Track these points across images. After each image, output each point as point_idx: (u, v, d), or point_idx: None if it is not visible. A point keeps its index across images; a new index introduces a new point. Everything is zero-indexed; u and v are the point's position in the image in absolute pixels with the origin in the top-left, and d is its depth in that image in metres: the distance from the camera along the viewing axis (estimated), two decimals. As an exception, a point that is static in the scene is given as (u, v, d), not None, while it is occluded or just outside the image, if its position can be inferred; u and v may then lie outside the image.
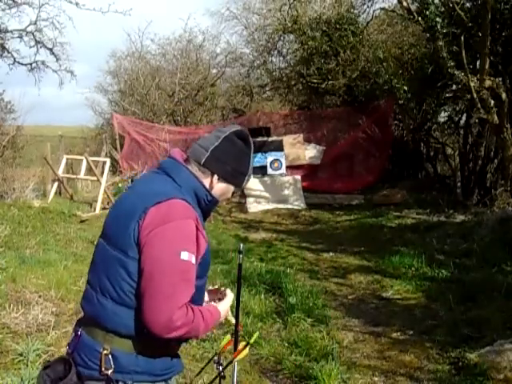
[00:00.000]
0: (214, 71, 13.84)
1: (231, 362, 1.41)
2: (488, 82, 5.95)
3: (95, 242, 1.35)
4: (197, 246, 1.20)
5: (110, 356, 1.18)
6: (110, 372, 1.17)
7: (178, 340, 1.21)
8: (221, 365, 1.40)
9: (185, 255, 1.16)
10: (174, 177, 1.26)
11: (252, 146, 1.35)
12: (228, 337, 1.49)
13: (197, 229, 1.20)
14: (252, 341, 1.50)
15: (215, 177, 1.30)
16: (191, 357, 2.86)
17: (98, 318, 1.20)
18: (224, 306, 1.35)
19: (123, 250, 1.19)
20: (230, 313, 1.41)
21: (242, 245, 1.60)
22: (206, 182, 1.30)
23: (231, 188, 1.35)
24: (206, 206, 1.30)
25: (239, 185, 1.35)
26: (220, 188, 1.32)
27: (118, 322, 1.19)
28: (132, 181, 9.39)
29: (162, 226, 1.16)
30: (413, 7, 6.57)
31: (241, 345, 1.49)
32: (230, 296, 1.39)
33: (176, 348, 1.30)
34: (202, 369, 1.32)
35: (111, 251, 1.21)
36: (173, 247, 1.15)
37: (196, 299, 1.25)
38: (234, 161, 1.31)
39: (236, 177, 1.33)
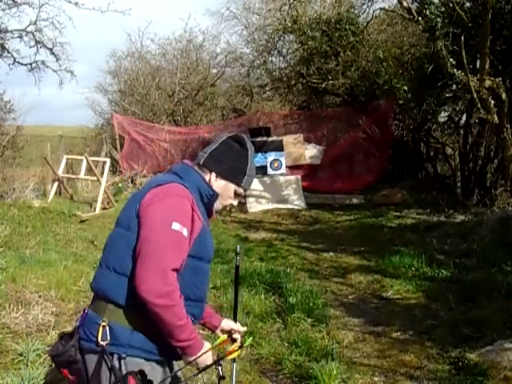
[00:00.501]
0: (214, 71, 13.85)
1: (221, 359, 1.42)
2: (488, 82, 5.96)
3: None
4: (192, 224, 1.30)
5: (107, 328, 1.25)
6: (105, 343, 1.24)
7: (160, 316, 1.22)
8: (220, 365, 1.39)
9: (176, 225, 1.25)
10: (182, 176, 1.38)
11: (249, 147, 1.45)
12: (224, 336, 1.50)
13: (192, 209, 1.31)
14: (246, 344, 1.51)
15: (213, 174, 1.42)
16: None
17: (101, 289, 1.30)
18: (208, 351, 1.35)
19: (125, 226, 1.31)
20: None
21: (238, 246, 1.64)
22: (206, 178, 1.42)
23: (231, 186, 1.43)
24: (208, 199, 1.40)
25: (238, 182, 1.44)
26: (219, 185, 1.42)
27: (118, 292, 1.27)
28: (132, 181, 9.39)
29: (160, 200, 1.28)
30: (413, 7, 6.57)
31: (234, 345, 1.49)
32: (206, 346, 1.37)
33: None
34: (199, 372, 1.32)
35: (116, 230, 1.35)
36: (166, 217, 1.26)
37: (196, 281, 1.34)
38: (230, 160, 1.42)
39: (233, 174, 1.43)
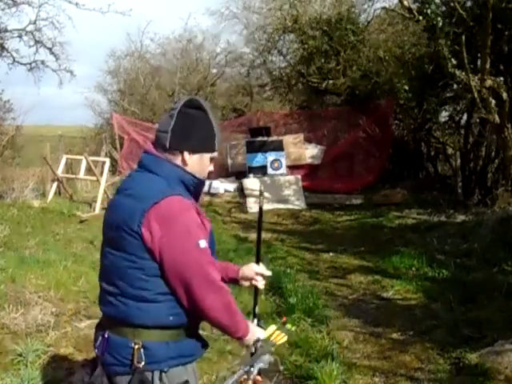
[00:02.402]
0: (214, 71, 13.85)
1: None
2: (489, 82, 5.95)
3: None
4: (205, 230, 1.28)
5: (141, 349, 1.23)
6: (141, 365, 1.22)
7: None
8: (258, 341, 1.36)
9: (202, 243, 1.24)
10: (157, 172, 1.28)
11: (206, 106, 1.33)
12: (272, 327, 1.45)
13: (198, 214, 1.27)
14: (291, 328, 1.51)
15: (185, 153, 1.30)
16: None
17: (123, 317, 1.25)
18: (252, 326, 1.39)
19: (133, 254, 1.23)
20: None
21: (261, 185, 1.61)
22: (179, 161, 1.31)
23: (206, 156, 1.34)
24: (195, 189, 1.34)
25: (211, 149, 1.34)
26: (195, 161, 1.32)
27: (143, 316, 1.24)
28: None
29: (172, 229, 1.21)
30: (413, 6, 6.55)
31: (279, 333, 1.47)
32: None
33: (198, 327, 1.35)
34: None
35: (120, 256, 1.26)
36: (190, 242, 1.22)
37: None
38: (196, 131, 1.30)
39: (204, 144, 1.32)
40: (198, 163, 1.32)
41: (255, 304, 1.61)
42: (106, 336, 1.28)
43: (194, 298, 1.23)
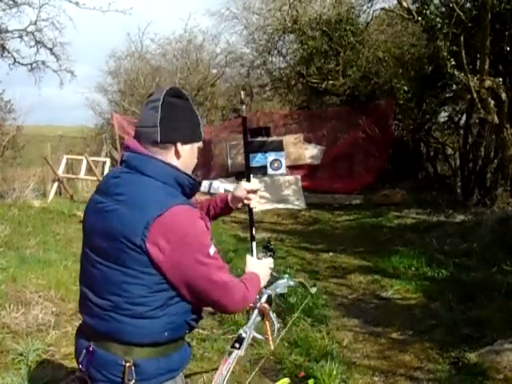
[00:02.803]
0: (214, 71, 13.86)
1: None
2: (488, 82, 5.96)
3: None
4: (208, 231, 1.26)
5: (132, 367, 1.18)
6: (132, 382, 1.18)
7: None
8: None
9: (212, 250, 1.22)
10: (151, 174, 1.19)
11: (187, 97, 1.29)
12: (285, 380, 1.47)
13: (203, 220, 1.24)
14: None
15: (178, 144, 1.23)
16: (192, 356, 2.86)
17: (114, 333, 1.18)
18: (258, 268, 1.45)
19: (134, 269, 1.15)
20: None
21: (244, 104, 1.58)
22: (171, 155, 1.23)
23: (195, 146, 1.29)
24: (190, 189, 1.28)
25: (199, 138, 1.30)
26: (187, 152, 1.25)
27: (137, 333, 1.18)
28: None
29: (182, 242, 1.16)
30: (413, 7, 6.57)
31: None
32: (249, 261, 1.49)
33: (184, 337, 1.33)
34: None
35: (116, 270, 1.17)
36: (203, 253, 1.19)
37: None
38: (184, 121, 1.24)
39: (193, 132, 1.28)
40: (189, 154, 1.27)
41: (251, 226, 1.61)
42: (91, 349, 1.20)
43: (214, 305, 1.27)
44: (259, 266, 1.47)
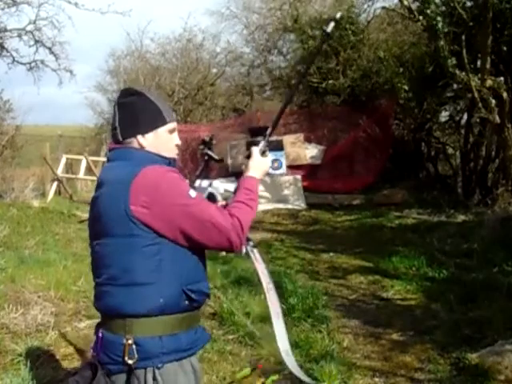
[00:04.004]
0: (214, 70, 13.84)
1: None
2: (489, 82, 5.95)
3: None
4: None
5: (133, 346, 1.18)
6: (133, 361, 1.17)
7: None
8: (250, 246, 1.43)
9: (192, 193, 1.24)
10: (130, 160, 1.28)
11: (144, 91, 1.32)
12: (247, 370, 1.45)
13: (176, 174, 1.27)
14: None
15: (138, 137, 1.29)
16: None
17: (113, 307, 1.22)
18: (254, 163, 1.50)
19: (122, 235, 1.20)
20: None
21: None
22: (136, 147, 1.31)
23: (161, 130, 1.31)
24: (168, 166, 1.32)
25: (162, 122, 1.31)
26: (151, 140, 1.30)
27: (133, 302, 1.20)
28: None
29: (159, 192, 1.20)
30: (413, 6, 6.55)
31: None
32: (254, 152, 1.57)
33: (197, 319, 1.31)
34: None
35: (106, 243, 1.23)
36: (181, 197, 1.21)
37: (192, 262, 1.28)
38: (139, 113, 1.30)
39: (152, 120, 1.30)
40: (155, 140, 1.30)
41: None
42: (100, 335, 1.25)
43: (214, 245, 1.24)
44: (261, 165, 1.53)
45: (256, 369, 1.52)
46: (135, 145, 1.30)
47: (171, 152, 1.33)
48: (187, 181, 1.30)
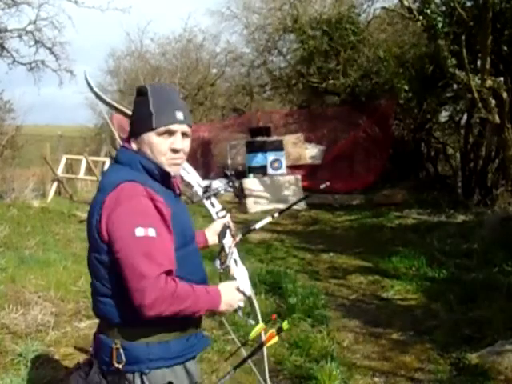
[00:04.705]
0: (214, 71, 13.85)
1: (260, 348, 1.41)
2: (489, 82, 5.95)
3: None
4: (160, 215, 1.20)
5: (120, 350, 1.21)
6: (121, 365, 1.20)
7: (174, 317, 1.19)
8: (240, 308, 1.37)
9: (140, 231, 1.15)
10: (122, 161, 1.29)
11: (149, 89, 1.29)
12: (261, 325, 1.43)
13: (152, 200, 1.20)
14: (285, 328, 1.45)
15: (132, 139, 1.31)
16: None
17: (103, 315, 1.25)
18: (227, 288, 1.33)
19: (96, 249, 1.22)
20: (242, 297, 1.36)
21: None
22: (135, 147, 1.30)
23: (149, 135, 1.27)
24: (161, 177, 1.28)
25: (148, 127, 1.26)
26: (141, 144, 1.28)
27: (118, 314, 1.22)
28: None
29: (113, 215, 1.18)
30: (413, 6, 6.56)
31: (271, 331, 1.45)
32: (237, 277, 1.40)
33: (192, 326, 1.29)
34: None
35: (92, 254, 1.25)
36: (126, 229, 1.16)
37: (188, 271, 1.26)
38: (134, 116, 1.32)
39: (140, 125, 1.28)
40: (147, 143, 1.27)
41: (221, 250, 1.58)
42: (97, 336, 1.29)
43: (130, 294, 1.15)
44: (230, 290, 1.34)
45: (270, 321, 1.55)
46: (135, 145, 1.31)
47: (165, 155, 1.27)
48: (162, 204, 1.20)
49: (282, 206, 8.48)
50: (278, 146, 9.28)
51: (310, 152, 9.67)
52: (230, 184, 1.60)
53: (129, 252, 1.15)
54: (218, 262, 1.51)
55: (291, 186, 8.92)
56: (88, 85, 1.62)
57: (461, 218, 6.33)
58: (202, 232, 1.59)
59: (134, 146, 1.30)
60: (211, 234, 1.59)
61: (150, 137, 1.28)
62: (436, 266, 4.51)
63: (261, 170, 9.12)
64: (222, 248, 1.56)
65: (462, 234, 5.48)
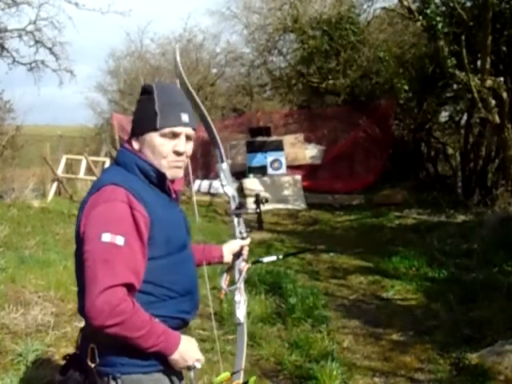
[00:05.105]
0: (214, 71, 13.86)
1: None
2: (489, 82, 5.95)
3: None
4: (135, 225, 1.14)
5: (95, 350, 1.18)
6: (93, 365, 1.17)
7: (117, 335, 1.12)
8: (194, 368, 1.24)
9: (106, 237, 1.11)
10: (119, 163, 1.25)
11: (155, 88, 1.25)
12: (226, 373, 1.36)
13: (131, 208, 1.14)
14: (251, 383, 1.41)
15: (133, 139, 1.27)
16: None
17: (80, 312, 1.21)
18: (190, 342, 1.22)
19: (78, 248, 1.21)
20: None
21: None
22: (138, 146, 1.26)
23: (151, 136, 1.23)
24: (157, 179, 1.24)
25: (152, 127, 1.23)
26: (143, 144, 1.25)
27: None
28: None
29: (90, 215, 1.16)
30: (413, 6, 6.56)
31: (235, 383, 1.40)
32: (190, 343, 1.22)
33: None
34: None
35: (76, 255, 1.23)
36: (94, 231, 1.13)
37: (174, 278, 1.21)
38: (138, 113, 1.27)
39: (143, 124, 1.24)
40: (147, 145, 1.24)
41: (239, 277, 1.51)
42: (80, 334, 1.28)
43: (83, 297, 1.11)
44: (192, 346, 1.22)
45: (236, 372, 1.46)
46: (137, 143, 1.27)
47: (167, 157, 1.24)
48: (139, 213, 1.15)
49: (281, 206, 8.50)
50: (278, 146, 9.28)
51: (310, 152, 9.68)
52: (257, 211, 1.55)
53: (90, 255, 1.12)
54: (223, 280, 1.48)
55: (291, 186, 8.93)
56: (176, 63, 1.48)
57: (461, 217, 6.33)
58: (219, 248, 1.53)
59: (135, 145, 1.26)
60: (228, 252, 1.52)
61: (153, 137, 1.24)
62: (436, 266, 4.51)
63: (261, 170, 9.12)
64: (232, 268, 1.52)
65: (462, 233, 5.48)
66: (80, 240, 1.18)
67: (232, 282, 1.49)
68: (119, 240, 1.12)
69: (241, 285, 1.48)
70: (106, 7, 10.76)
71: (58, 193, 8.36)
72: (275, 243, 6.28)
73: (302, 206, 8.53)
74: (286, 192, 8.86)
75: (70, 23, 15.38)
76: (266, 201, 1.54)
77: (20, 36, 9.50)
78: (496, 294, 3.64)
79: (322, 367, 2.67)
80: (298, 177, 9.00)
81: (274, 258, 1.76)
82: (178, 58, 1.49)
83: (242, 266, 1.50)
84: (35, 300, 3.32)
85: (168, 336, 1.17)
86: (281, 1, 10.61)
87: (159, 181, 1.24)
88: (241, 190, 8.97)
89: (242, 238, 1.54)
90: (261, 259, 1.69)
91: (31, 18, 9.58)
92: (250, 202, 8.57)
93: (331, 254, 5.56)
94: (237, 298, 1.47)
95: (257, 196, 1.50)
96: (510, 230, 4.97)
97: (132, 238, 1.14)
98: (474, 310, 3.47)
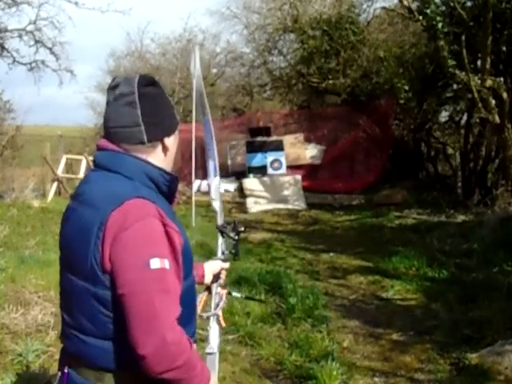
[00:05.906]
0: (214, 71, 13.86)
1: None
2: (489, 82, 5.95)
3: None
4: (170, 245, 0.99)
5: None
6: None
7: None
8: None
9: (155, 263, 0.95)
10: (118, 170, 1.03)
11: (158, 82, 1.12)
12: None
13: (164, 225, 0.99)
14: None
15: (165, 139, 1.08)
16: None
17: (84, 357, 1.03)
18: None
19: (89, 279, 0.99)
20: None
21: None
22: (158, 152, 1.08)
23: (176, 134, 1.13)
24: (167, 187, 1.08)
25: (177, 125, 1.13)
26: (172, 144, 1.11)
27: (106, 358, 1.02)
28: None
29: (119, 242, 0.95)
30: (413, 6, 6.56)
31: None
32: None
33: None
34: None
35: (77, 282, 1.02)
36: (138, 259, 0.95)
37: (186, 303, 1.07)
38: (163, 110, 1.09)
39: (172, 121, 1.12)
40: (174, 145, 1.12)
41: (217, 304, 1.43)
42: (66, 371, 1.07)
43: (131, 339, 0.94)
44: (213, 377, 1.15)
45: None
46: (158, 149, 1.08)
47: (173, 160, 1.13)
48: (175, 231, 1.01)
49: (281, 206, 8.50)
50: (278, 146, 9.28)
51: (310, 152, 9.67)
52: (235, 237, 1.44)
53: (141, 287, 0.94)
54: (198, 300, 1.30)
55: (291, 186, 8.93)
56: (194, 63, 1.39)
57: (461, 218, 6.33)
58: (201, 265, 1.37)
59: (140, 153, 1.05)
60: (209, 272, 1.38)
61: (173, 141, 1.10)
62: (436, 266, 4.51)
63: (261, 170, 9.12)
64: (209, 289, 1.40)
65: (462, 233, 5.48)
66: (103, 271, 0.97)
67: (207, 305, 1.39)
68: (167, 264, 0.97)
69: (219, 312, 1.38)
70: (105, 6, 10.73)
71: (58, 193, 8.37)
72: (275, 243, 6.28)
73: (302, 205, 8.53)
74: (286, 192, 8.86)
75: (69, 23, 15.38)
76: (245, 229, 1.44)
77: (20, 36, 9.51)
78: (496, 293, 3.64)
79: (322, 367, 2.67)
80: (298, 177, 9.00)
81: (238, 294, 1.76)
82: (198, 59, 1.42)
83: (219, 290, 1.39)
84: (35, 300, 3.32)
85: (205, 370, 1.06)
86: (281, 1, 10.61)
87: (170, 187, 1.09)
88: (241, 190, 8.97)
89: (224, 260, 1.44)
90: (231, 291, 1.54)
91: (31, 18, 9.59)
92: (250, 202, 8.58)
93: (331, 254, 5.56)
94: (212, 324, 1.36)
95: (234, 223, 1.41)
96: (510, 230, 4.96)
97: (170, 259, 0.99)
98: (474, 310, 3.47)
